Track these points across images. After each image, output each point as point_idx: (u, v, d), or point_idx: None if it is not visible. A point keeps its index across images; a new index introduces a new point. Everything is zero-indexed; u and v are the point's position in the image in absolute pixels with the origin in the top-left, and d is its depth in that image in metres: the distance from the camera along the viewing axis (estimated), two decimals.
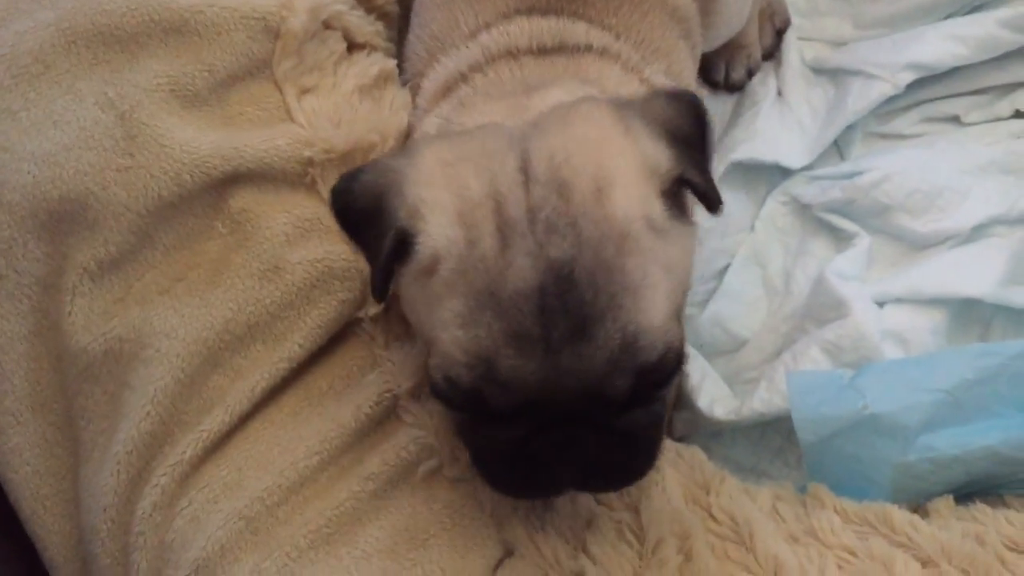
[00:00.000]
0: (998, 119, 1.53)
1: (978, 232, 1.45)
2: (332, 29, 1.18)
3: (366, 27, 1.23)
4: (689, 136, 0.91)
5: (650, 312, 0.84)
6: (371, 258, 0.90)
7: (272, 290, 1.05)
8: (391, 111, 1.19)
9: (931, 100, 1.55)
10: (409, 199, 0.86)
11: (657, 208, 0.87)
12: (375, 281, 0.88)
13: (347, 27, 1.20)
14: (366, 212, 0.89)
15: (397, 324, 1.12)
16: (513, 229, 0.83)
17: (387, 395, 1.08)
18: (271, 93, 1.12)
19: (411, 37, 1.25)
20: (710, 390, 1.38)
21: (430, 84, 1.15)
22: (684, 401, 1.40)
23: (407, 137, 1.17)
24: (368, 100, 1.17)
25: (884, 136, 1.55)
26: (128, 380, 1.04)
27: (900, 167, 1.47)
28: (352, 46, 1.22)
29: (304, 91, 1.13)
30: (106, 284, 1.05)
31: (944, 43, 1.48)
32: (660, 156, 0.88)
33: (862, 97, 1.50)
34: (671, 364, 0.87)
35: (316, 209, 1.10)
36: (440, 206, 0.85)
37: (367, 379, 1.08)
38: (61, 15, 1.06)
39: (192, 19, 1.07)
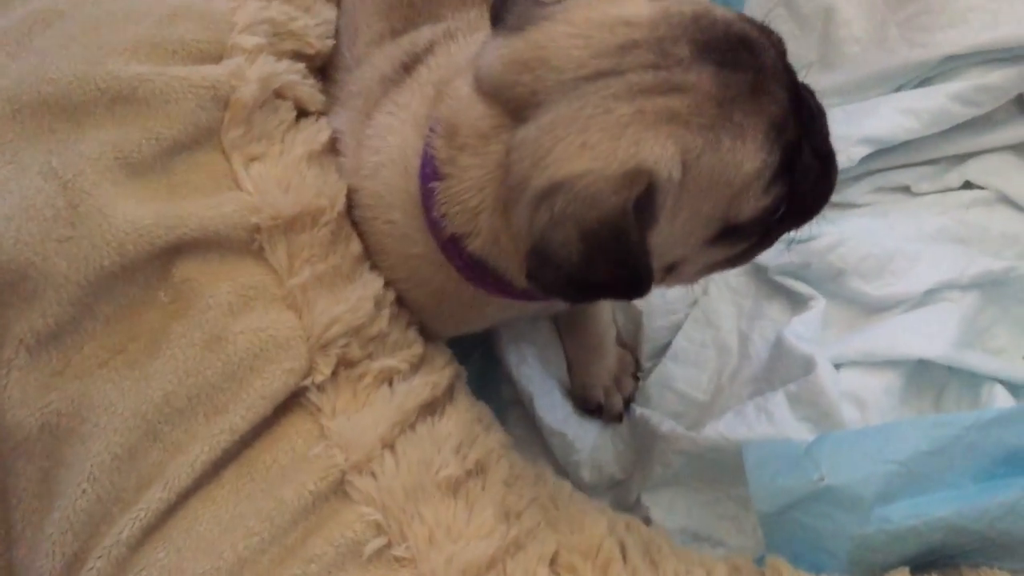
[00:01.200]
0: (948, 190, 1.55)
1: (930, 297, 1.46)
2: (283, 98, 1.18)
3: (318, 96, 1.23)
4: None
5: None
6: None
7: (214, 360, 1.03)
8: (340, 176, 1.19)
9: (882, 170, 1.57)
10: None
11: None
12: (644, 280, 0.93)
13: (299, 97, 1.20)
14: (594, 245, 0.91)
15: (345, 393, 1.10)
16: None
17: (333, 469, 1.05)
18: (218, 161, 1.11)
19: None
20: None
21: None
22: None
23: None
24: (316, 166, 1.17)
25: (836, 205, 1.57)
26: (64, 456, 1.01)
27: (853, 233, 1.49)
28: (302, 113, 1.22)
29: (252, 159, 1.12)
30: (44, 356, 1.02)
31: (897, 117, 1.51)
32: None
33: None
34: None
35: (262, 276, 1.08)
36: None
37: (312, 453, 1.06)
38: (7, 84, 1.05)
39: (140, 88, 1.06)
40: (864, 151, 1.51)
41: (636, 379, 1.55)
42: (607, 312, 1.52)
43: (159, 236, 1.04)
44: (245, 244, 1.08)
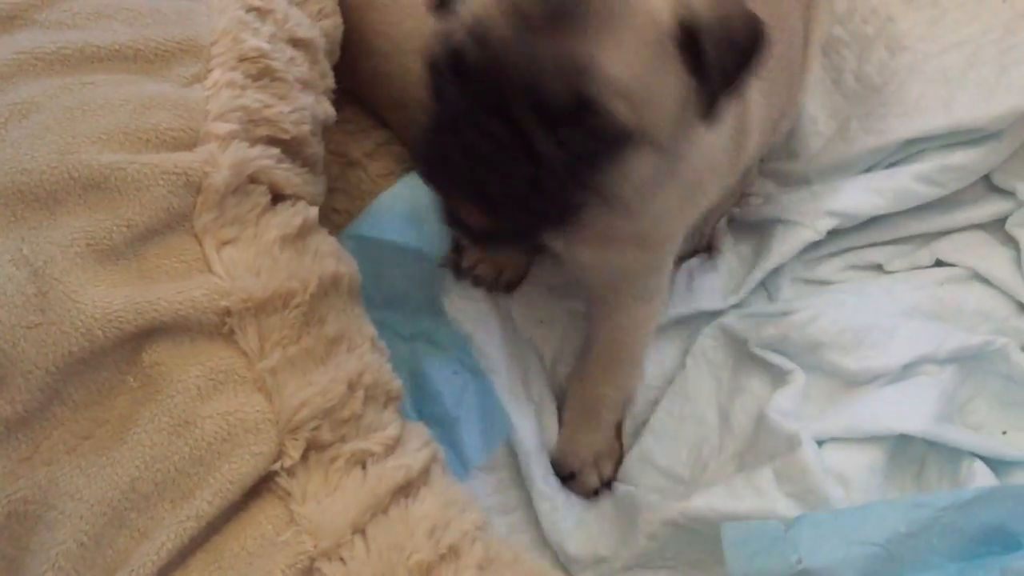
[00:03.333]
0: (920, 267, 1.57)
1: (908, 371, 1.47)
2: (257, 183, 1.19)
3: (293, 179, 1.25)
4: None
5: (621, 64, 0.97)
6: None
7: (181, 445, 1.02)
8: (314, 258, 1.20)
9: (854, 248, 1.59)
10: None
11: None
12: None
13: (274, 181, 1.21)
14: None
15: (316, 477, 1.09)
16: None
17: (302, 556, 1.04)
18: (190, 245, 1.12)
19: None
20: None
21: None
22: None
23: None
24: (290, 249, 1.18)
25: (810, 282, 1.58)
26: (29, 544, 1.00)
27: (828, 308, 1.51)
28: (278, 197, 1.24)
29: (224, 243, 1.13)
30: (12, 443, 1.02)
31: (862, 194, 1.55)
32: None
33: (785, 242, 1.54)
34: (610, 125, 0.99)
35: (232, 360, 1.08)
36: None
37: (281, 539, 1.04)
38: None
39: (112, 176, 1.08)
40: (830, 223, 1.54)
41: (617, 465, 1.55)
42: (621, 389, 1.52)
43: (129, 321, 1.04)
44: (215, 327, 1.09)
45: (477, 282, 1.59)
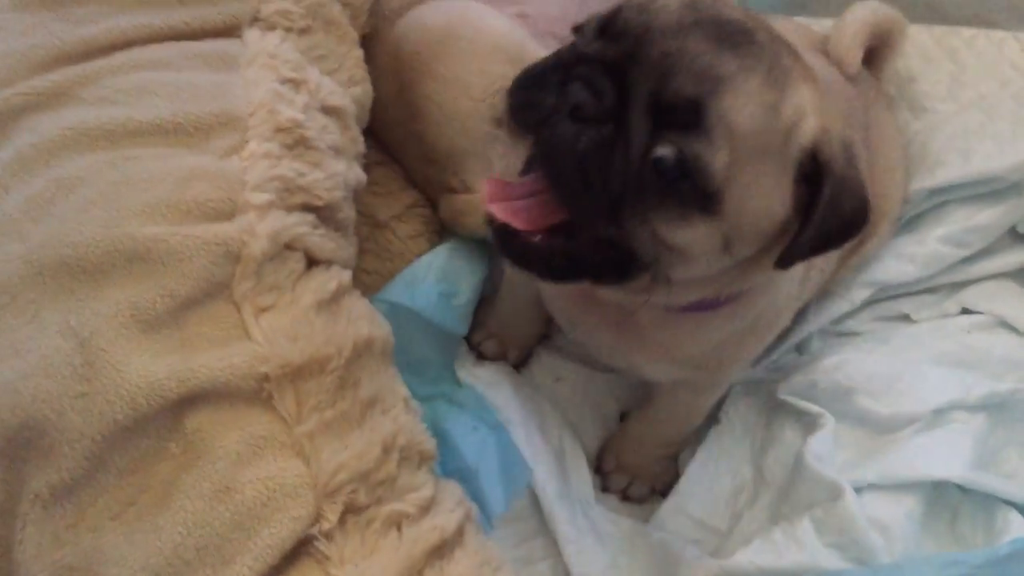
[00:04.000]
0: (947, 316, 1.58)
1: (939, 417, 1.47)
2: (293, 250, 1.23)
3: (327, 244, 1.28)
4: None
5: (746, 116, 0.95)
6: None
7: (222, 511, 1.05)
8: (348, 322, 1.23)
9: (881, 300, 1.59)
10: None
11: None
12: None
13: (308, 247, 1.24)
14: None
15: (352, 541, 1.11)
16: None
17: None
18: (229, 313, 1.15)
19: None
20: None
21: None
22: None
23: None
24: (325, 314, 1.21)
25: (838, 333, 1.59)
26: None
27: (856, 355, 1.52)
28: (313, 262, 1.27)
29: (262, 309, 1.16)
30: (58, 510, 1.05)
31: (895, 263, 1.57)
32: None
33: (821, 312, 1.57)
34: (702, 156, 0.94)
35: (270, 425, 1.11)
36: None
37: None
38: (30, 248, 1.10)
39: (155, 248, 1.11)
40: (865, 294, 1.57)
41: (653, 490, 1.57)
42: (679, 432, 1.54)
43: (171, 389, 1.07)
44: (254, 393, 1.11)
45: (483, 358, 1.63)
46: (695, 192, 0.97)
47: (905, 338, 1.55)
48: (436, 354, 1.55)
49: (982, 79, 1.60)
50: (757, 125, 0.96)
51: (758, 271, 1.10)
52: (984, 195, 1.55)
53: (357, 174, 1.42)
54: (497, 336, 1.62)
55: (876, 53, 1.59)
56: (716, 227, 1.00)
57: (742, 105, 0.95)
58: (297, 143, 1.28)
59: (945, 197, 1.59)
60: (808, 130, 1.00)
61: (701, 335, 1.22)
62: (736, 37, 0.97)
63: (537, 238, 1.04)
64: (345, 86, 1.47)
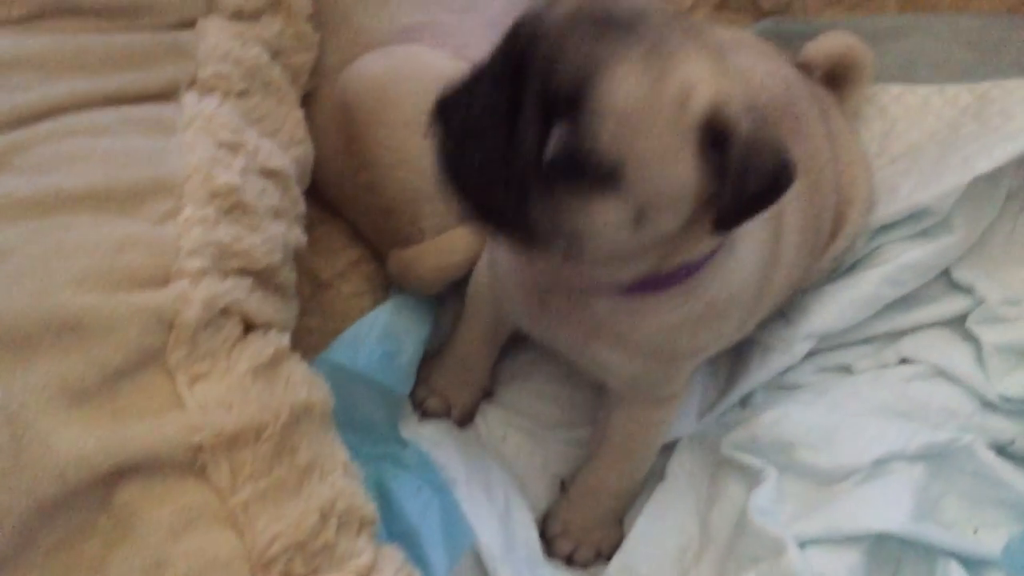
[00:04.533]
0: (885, 366, 1.60)
1: (879, 468, 1.48)
2: (229, 315, 1.22)
3: (265, 309, 1.28)
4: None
5: (629, 95, 1.00)
6: None
7: None
8: (285, 387, 1.22)
9: (823, 351, 1.61)
10: None
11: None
12: None
13: (245, 312, 1.24)
14: None
15: None
16: None
17: None
18: (162, 382, 1.14)
19: None
20: None
21: None
22: None
23: None
24: (262, 380, 1.20)
25: (780, 387, 1.61)
26: None
27: (797, 409, 1.53)
28: (250, 327, 1.26)
29: (196, 377, 1.15)
30: None
31: (834, 311, 1.58)
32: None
33: (763, 367, 1.58)
34: (588, 137, 1.00)
35: (204, 496, 1.09)
36: None
37: None
38: None
39: (85, 318, 1.10)
40: (806, 347, 1.58)
41: (611, 550, 1.55)
42: (626, 480, 1.54)
43: (101, 462, 1.05)
44: (187, 464, 1.10)
45: (426, 416, 1.63)
46: (593, 174, 1.03)
47: (845, 389, 1.57)
48: (380, 414, 1.54)
49: (910, 131, 1.64)
50: (640, 102, 1.02)
51: (694, 241, 1.15)
52: (916, 235, 1.59)
53: (297, 235, 1.42)
54: (441, 392, 1.62)
55: (842, 79, 1.66)
56: (623, 202, 1.05)
57: (620, 85, 1.01)
58: (234, 207, 1.28)
59: (880, 240, 1.62)
60: (701, 99, 1.04)
61: (654, 318, 1.26)
62: (617, 25, 1.03)
63: None
64: (285, 147, 1.47)
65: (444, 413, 1.62)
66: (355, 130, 1.58)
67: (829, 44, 1.64)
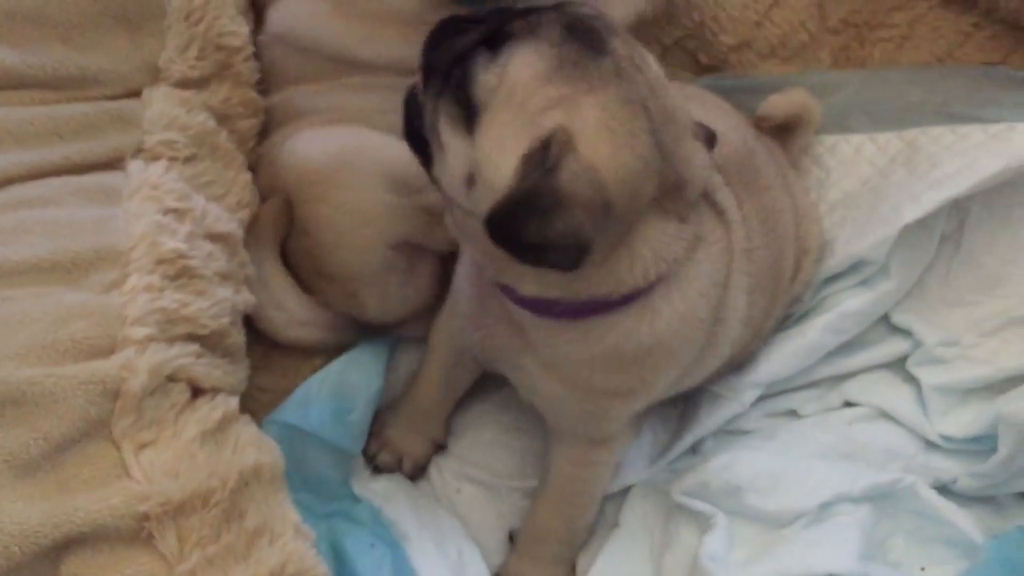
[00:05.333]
0: (830, 409, 1.63)
1: (825, 510, 1.50)
2: (176, 381, 1.23)
3: (213, 373, 1.29)
4: None
5: (530, 64, 1.14)
6: None
7: None
8: (234, 451, 1.23)
9: (770, 396, 1.64)
10: None
11: None
12: None
13: (192, 377, 1.25)
14: None
15: None
16: None
17: None
18: (108, 452, 1.14)
19: None
20: None
21: None
22: None
23: None
24: (210, 445, 1.21)
25: (728, 432, 1.64)
26: None
27: (745, 454, 1.56)
28: (198, 391, 1.27)
29: (142, 446, 1.16)
30: None
31: (780, 360, 1.60)
32: None
33: (711, 416, 1.60)
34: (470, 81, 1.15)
35: (151, 565, 1.10)
36: None
37: None
38: None
39: (29, 391, 1.11)
40: (754, 395, 1.60)
41: None
42: (571, 524, 1.55)
43: (46, 535, 1.06)
44: (134, 533, 1.10)
45: (379, 470, 1.63)
46: (467, 102, 1.15)
47: (791, 433, 1.60)
48: (332, 471, 1.54)
49: (844, 180, 1.69)
50: (526, 84, 1.13)
51: (581, 280, 1.19)
52: (856, 285, 1.63)
53: (246, 297, 1.44)
54: (393, 445, 1.63)
55: (786, 132, 1.71)
56: (468, 150, 1.16)
57: (531, 61, 1.13)
58: (180, 273, 1.30)
59: (824, 292, 1.65)
60: (551, 122, 1.11)
61: (567, 345, 1.29)
62: (585, 31, 1.16)
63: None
64: (233, 210, 1.49)
65: (396, 467, 1.63)
66: (298, 198, 1.57)
67: (787, 102, 1.69)
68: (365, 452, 1.63)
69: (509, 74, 1.13)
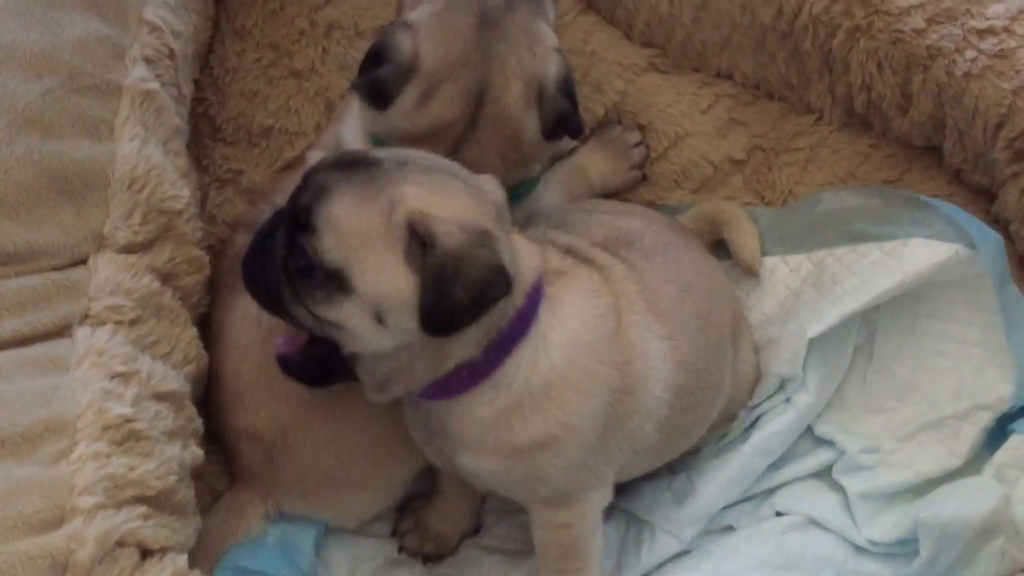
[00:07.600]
0: (763, 520, 1.70)
1: None
2: (125, 546, 1.26)
3: (161, 533, 1.32)
4: None
5: (345, 211, 1.32)
6: None
7: None
8: None
9: None
10: None
11: None
12: None
13: (141, 540, 1.28)
14: None
15: None
16: None
17: None
18: None
19: None
20: None
21: None
22: None
23: None
24: None
25: None
26: None
27: (684, 573, 1.61)
28: (147, 552, 1.31)
29: None
30: None
31: (719, 491, 1.68)
32: None
33: (653, 552, 1.66)
34: (319, 247, 1.31)
35: None
36: None
37: None
38: None
39: None
40: (696, 530, 1.67)
41: None
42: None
43: None
44: None
45: (404, 551, 1.72)
46: (325, 276, 1.29)
47: (726, 549, 1.65)
48: None
49: (762, 302, 1.79)
50: (355, 217, 1.29)
51: (447, 349, 1.34)
52: (779, 406, 1.71)
53: (193, 452, 1.48)
54: (423, 529, 1.70)
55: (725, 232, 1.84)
56: (359, 303, 1.30)
57: (338, 203, 1.29)
58: (127, 437, 1.34)
59: (757, 413, 1.74)
60: (403, 210, 1.28)
61: (471, 416, 1.39)
62: (352, 164, 1.33)
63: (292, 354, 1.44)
64: (180, 366, 1.54)
65: (419, 552, 1.71)
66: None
67: (696, 210, 1.89)
68: (395, 529, 1.72)
69: (341, 223, 1.29)
